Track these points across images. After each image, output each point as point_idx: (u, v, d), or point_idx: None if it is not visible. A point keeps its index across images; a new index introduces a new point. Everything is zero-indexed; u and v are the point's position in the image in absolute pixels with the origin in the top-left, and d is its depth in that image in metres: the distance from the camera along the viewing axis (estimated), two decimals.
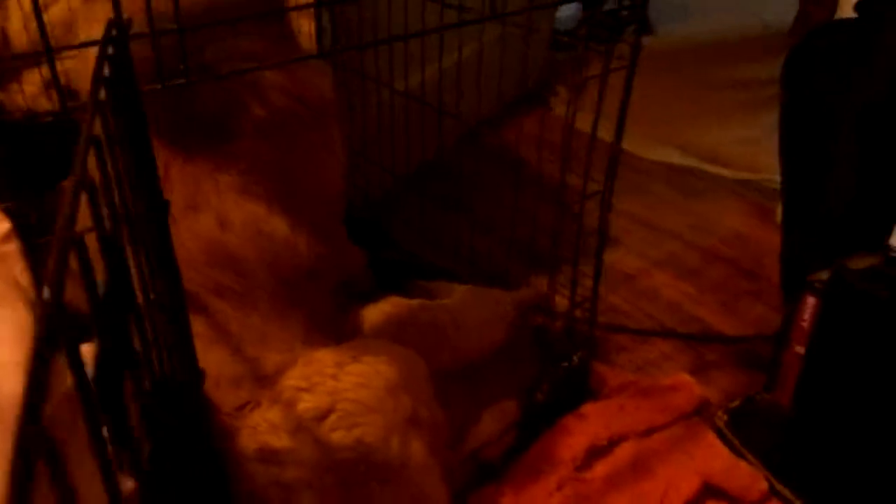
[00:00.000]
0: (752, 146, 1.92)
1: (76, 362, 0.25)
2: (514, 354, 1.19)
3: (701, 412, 1.20)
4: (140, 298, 0.47)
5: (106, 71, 0.44)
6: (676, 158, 1.92)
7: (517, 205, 1.29)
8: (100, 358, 0.28)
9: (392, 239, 1.49)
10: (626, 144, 1.94)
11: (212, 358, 0.78)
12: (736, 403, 1.19)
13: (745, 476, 1.06)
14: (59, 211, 0.29)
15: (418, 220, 1.50)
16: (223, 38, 0.78)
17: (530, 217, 1.26)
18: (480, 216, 1.46)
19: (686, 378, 1.23)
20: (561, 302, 1.26)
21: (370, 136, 1.47)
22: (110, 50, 0.45)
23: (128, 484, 0.32)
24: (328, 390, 0.81)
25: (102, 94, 0.41)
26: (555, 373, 1.13)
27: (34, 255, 0.57)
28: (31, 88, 0.96)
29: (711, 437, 1.14)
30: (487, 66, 1.31)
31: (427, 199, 1.61)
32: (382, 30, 1.33)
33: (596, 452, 1.09)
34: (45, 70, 0.90)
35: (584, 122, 1.09)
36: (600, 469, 1.08)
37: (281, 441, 0.77)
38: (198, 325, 0.78)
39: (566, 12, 2.44)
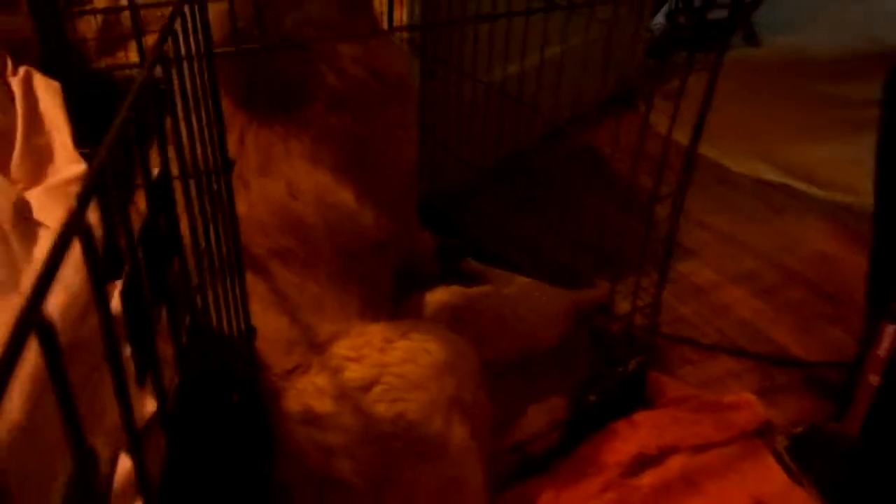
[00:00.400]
0: (849, 167, 1.83)
1: (96, 278, 0.27)
2: (570, 354, 1.18)
3: (762, 434, 1.16)
4: (192, 246, 0.49)
5: (178, 27, 0.47)
6: (767, 174, 1.85)
7: (591, 206, 1.28)
8: (128, 286, 0.30)
9: (460, 229, 1.50)
10: (717, 156, 1.91)
11: (269, 320, 0.81)
12: (800, 429, 1.14)
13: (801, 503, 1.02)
14: (106, 139, 0.31)
15: (490, 214, 1.50)
16: (300, 5, 0.81)
17: (605, 220, 1.25)
18: (553, 215, 1.46)
19: (749, 397, 1.19)
20: (624, 306, 1.24)
21: (453, 128, 1.49)
22: (185, 8, 0.47)
23: (149, 405, 0.34)
24: (375, 363, 0.83)
25: (170, 48, 0.44)
26: (610, 376, 1.11)
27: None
28: (135, 56, 1.02)
29: (769, 460, 1.10)
30: (579, 66, 1.30)
31: (502, 194, 1.62)
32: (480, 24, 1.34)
33: (645, 461, 1.07)
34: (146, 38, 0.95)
35: (676, 131, 1.06)
36: (648, 478, 1.06)
37: (325, 406, 0.79)
38: (259, 287, 0.82)
39: (662, 18, 2.39)
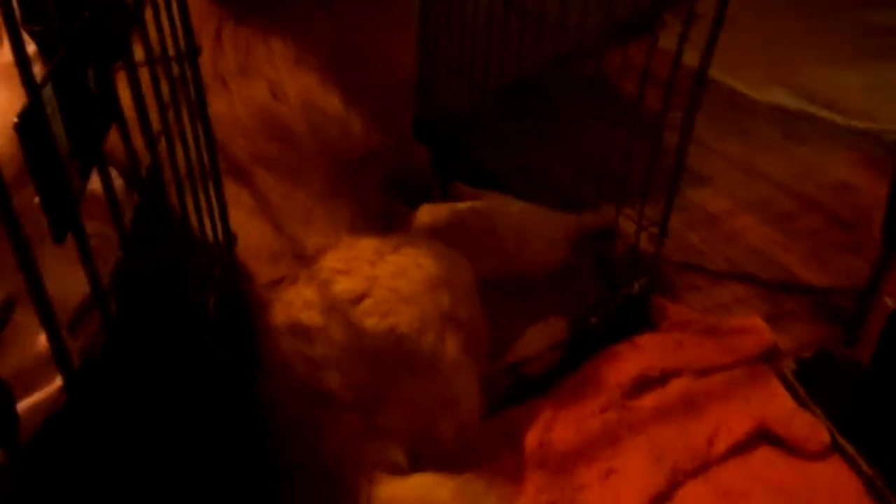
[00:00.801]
0: (873, 94, 1.76)
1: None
2: (573, 278, 1.15)
3: (768, 359, 1.13)
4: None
5: None
6: (786, 100, 1.78)
7: (599, 131, 1.23)
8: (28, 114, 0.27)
9: (463, 150, 1.46)
10: (733, 82, 1.84)
11: (253, 229, 0.78)
12: (808, 354, 1.11)
13: (806, 426, 1.00)
14: None
15: (495, 136, 1.46)
16: None
17: (615, 147, 1.20)
18: (560, 140, 1.41)
19: (757, 321, 1.16)
20: (629, 229, 1.20)
21: (455, 46, 1.43)
22: None
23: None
24: (365, 275, 0.80)
25: None
26: (612, 297, 1.09)
27: None
28: None
29: (775, 384, 1.07)
30: None
31: (507, 118, 1.57)
32: None
33: (646, 383, 1.05)
34: None
35: (690, 57, 1.00)
36: (648, 400, 1.04)
37: (312, 318, 0.77)
38: (242, 195, 0.79)
39: None
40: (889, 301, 1.02)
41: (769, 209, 1.46)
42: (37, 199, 0.26)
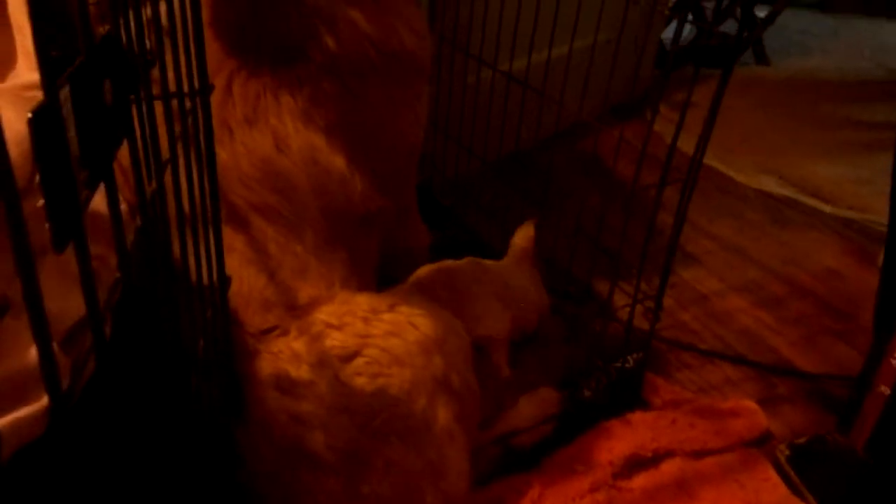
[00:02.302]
0: (858, 185, 1.80)
1: None
2: (546, 346, 1.13)
3: (762, 444, 1.10)
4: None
5: None
6: (774, 187, 1.81)
7: (594, 209, 1.23)
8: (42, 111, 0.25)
9: (459, 218, 1.45)
10: (724, 168, 1.87)
11: (246, 276, 0.76)
12: (803, 439, 1.09)
13: None
14: None
15: (491, 206, 1.46)
16: None
17: (609, 222, 1.20)
18: (555, 214, 1.41)
19: (751, 404, 1.14)
20: (620, 301, 1.19)
21: (460, 117, 1.45)
22: None
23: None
24: (358, 332, 0.78)
25: None
26: (606, 372, 1.06)
27: None
28: None
29: (769, 471, 1.04)
30: (585, 69, 1.25)
31: (506, 189, 1.58)
32: (493, 9, 1.31)
33: (638, 463, 1.02)
34: None
35: (683, 142, 1.02)
36: (640, 481, 1.00)
37: (300, 372, 0.74)
38: (238, 242, 0.77)
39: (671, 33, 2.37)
40: (885, 389, 1.01)
41: (759, 292, 1.46)
42: (40, 203, 0.24)
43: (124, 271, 0.32)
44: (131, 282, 0.32)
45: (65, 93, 0.25)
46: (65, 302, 0.33)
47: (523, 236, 1.24)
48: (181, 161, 0.48)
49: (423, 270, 1.07)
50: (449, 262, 1.09)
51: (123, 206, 0.46)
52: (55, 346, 0.36)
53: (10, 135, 0.36)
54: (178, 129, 0.47)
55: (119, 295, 0.35)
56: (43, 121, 0.23)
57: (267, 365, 0.74)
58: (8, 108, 0.43)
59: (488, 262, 1.16)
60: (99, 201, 0.38)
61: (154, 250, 0.39)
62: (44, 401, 0.34)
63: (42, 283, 0.42)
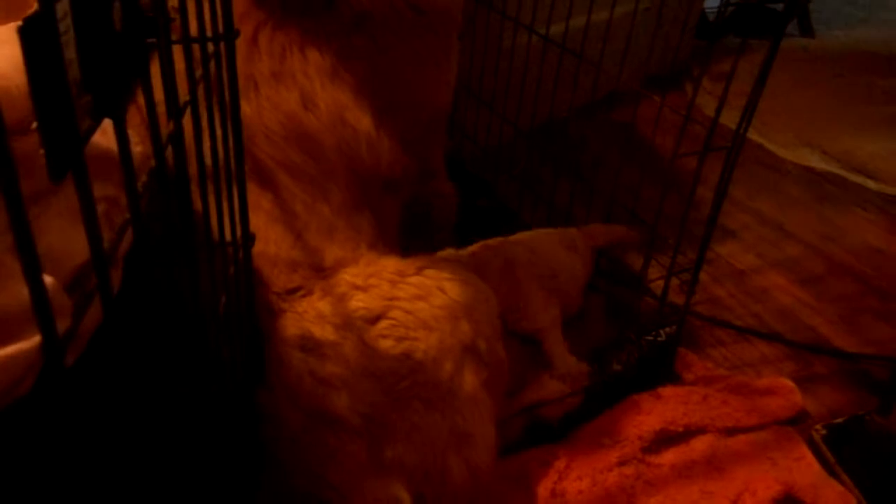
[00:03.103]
0: None
1: None
2: (582, 321, 1.10)
3: (796, 422, 1.07)
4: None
5: None
6: (816, 162, 1.75)
7: (630, 182, 1.20)
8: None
9: (490, 188, 1.42)
10: (764, 141, 1.82)
11: (272, 235, 0.75)
12: (840, 420, 1.05)
13: (835, 496, 0.94)
14: None
15: (522, 176, 1.43)
16: None
17: (644, 194, 1.17)
18: (589, 185, 1.38)
19: (787, 383, 1.10)
20: (654, 274, 1.16)
21: (494, 82, 1.41)
22: None
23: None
24: (383, 295, 0.76)
25: None
26: (638, 345, 1.04)
27: None
28: None
29: (803, 450, 1.01)
30: (624, 37, 1.21)
31: (538, 157, 1.54)
32: None
33: (668, 438, 0.99)
34: None
35: (723, 115, 0.98)
36: (670, 456, 0.98)
37: (325, 333, 0.72)
38: (263, 200, 0.75)
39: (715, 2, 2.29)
40: None
41: (798, 269, 1.42)
42: (34, 125, 0.22)
43: (134, 212, 0.30)
44: (142, 224, 0.31)
45: (63, 6, 0.23)
46: (72, 242, 0.31)
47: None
48: (203, 108, 0.46)
49: (478, 248, 1.06)
50: (504, 245, 1.08)
51: (140, 149, 0.45)
52: (57, 284, 0.34)
53: (13, 62, 0.34)
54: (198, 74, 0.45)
55: (132, 243, 0.33)
56: (34, 31, 0.21)
57: (291, 325, 0.72)
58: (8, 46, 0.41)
59: (540, 240, 1.14)
60: (110, 140, 0.36)
61: (169, 195, 0.37)
62: (36, 339, 0.32)
63: (51, 220, 0.41)
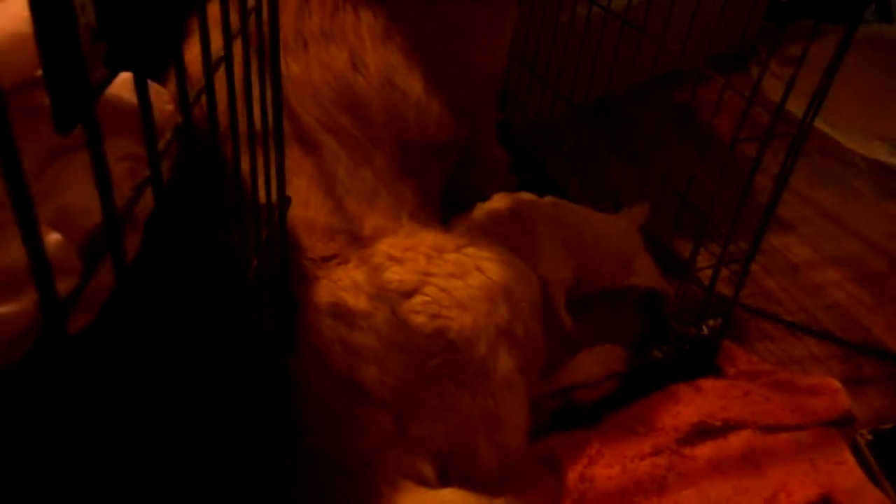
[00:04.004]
0: None
1: None
2: (622, 304, 1.08)
3: (841, 425, 1.03)
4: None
5: None
6: (884, 155, 1.67)
7: (684, 165, 1.15)
8: None
9: (537, 163, 1.39)
10: (829, 129, 1.74)
11: (312, 200, 0.74)
12: (888, 426, 1.01)
13: (875, 503, 0.90)
14: None
15: (572, 152, 1.39)
16: None
17: (697, 180, 1.12)
18: (641, 165, 1.34)
19: (834, 383, 1.06)
20: (703, 263, 1.12)
21: (549, 55, 1.37)
22: None
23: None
24: (419, 269, 0.74)
25: None
26: (680, 334, 1.00)
27: None
28: None
29: (846, 453, 0.97)
30: (689, 13, 1.16)
31: (589, 134, 1.50)
32: None
33: (705, 431, 0.96)
34: None
35: (789, 101, 0.93)
36: (705, 450, 0.95)
37: (358, 302, 0.71)
38: (306, 163, 0.74)
39: None
40: None
41: (856, 266, 1.36)
42: (39, 72, 0.21)
43: (154, 171, 0.29)
44: (161, 184, 0.30)
45: None
46: (92, 200, 0.30)
47: (638, 210, 1.19)
48: (239, 63, 0.45)
49: (501, 197, 1.03)
50: (529, 195, 1.05)
51: (172, 107, 0.44)
52: (65, 241, 0.33)
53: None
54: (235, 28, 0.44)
55: (154, 203, 0.32)
56: None
57: (324, 292, 0.72)
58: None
59: (574, 207, 1.11)
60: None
61: (194, 154, 0.36)
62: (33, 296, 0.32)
63: (72, 175, 0.40)
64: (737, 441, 0.96)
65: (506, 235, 0.89)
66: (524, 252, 0.91)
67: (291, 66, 0.71)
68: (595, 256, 1.04)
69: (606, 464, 0.92)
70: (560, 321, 0.96)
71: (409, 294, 0.74)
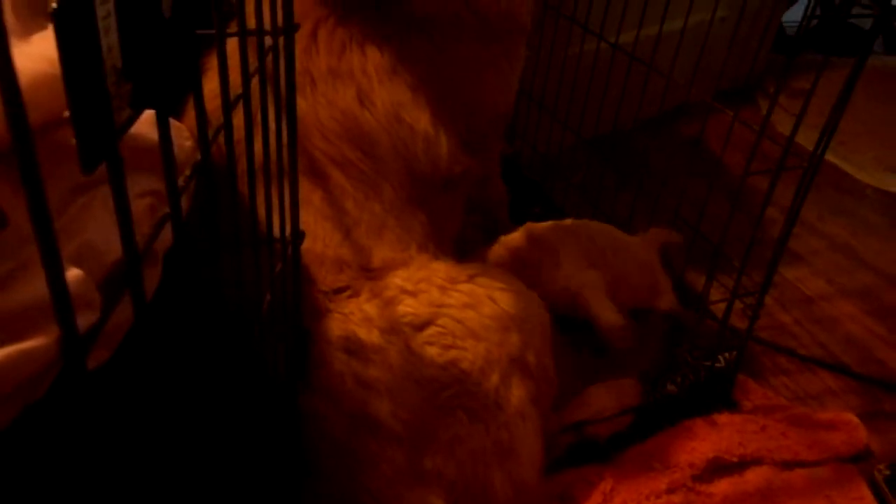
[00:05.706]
0: None
1: None
2: (644, 336, 1.07)
3: (859, 460, 1.01)
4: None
5: None
6: None
7: (690, 193, 1.16)
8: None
9: (546, 196, 1.40)
10: (842, 163, 1.74)
11: (320, 232, 0.74)
12: None
13: None
14: None
15: (583, 186, 1.39)
16: None
17: (708, 211, 1.12)
18: (650, 198, 1.33)
19: (851, 418, 1.04)
20: (716, 296, 1.11)
21: (557, 88, 1.39)
22: None
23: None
24: (433, 301, 0.74)
25: None
26: (695, 368, 0.99)
27: None
28: None
29: (863, 490, 0.95)
30: (698, 48, 1.17)
31: (598, 167, 1.51)
32: None
33: (721, 467, 0.95)
34: None
35: (798, 133, 0.93)
36: (722, 486, 0.93)
37: (371, 336, 0.71)
38: (314, 196, 0.75)
39: (794, 16, 2.21)
40: None
41: (871, 299, 1.34)
42: (66, 114, 0.22)
43: (174, 207, 0.30)
44: (181, 220, 0.30)
45: None
46: (114, 236, 0.31)
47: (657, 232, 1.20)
48: (256, 101, 0.45)
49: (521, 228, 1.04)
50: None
51: (191, 143, 0.44)
52: (86, 276, 0.34)
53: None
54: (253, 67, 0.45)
55: (173, 238, 0.32)
56: (68, 13, 0.21)
57: (336, 326, 0.71)
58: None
59: (596, 224, 1.12)
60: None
61: (213, 190, 0.36)
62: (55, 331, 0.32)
63: (95, 211, 0.40)
64: (754, 477, 0.94)
65: (528, 259, 0.89)
66: (547, 270, 0.91)
67: (299, 104, 0.72)
68: (621, 270, 1.05)
69: (622, 501, 0.90)
70: (608, 328, 0.97)
71: (422, 326, 0.74)
